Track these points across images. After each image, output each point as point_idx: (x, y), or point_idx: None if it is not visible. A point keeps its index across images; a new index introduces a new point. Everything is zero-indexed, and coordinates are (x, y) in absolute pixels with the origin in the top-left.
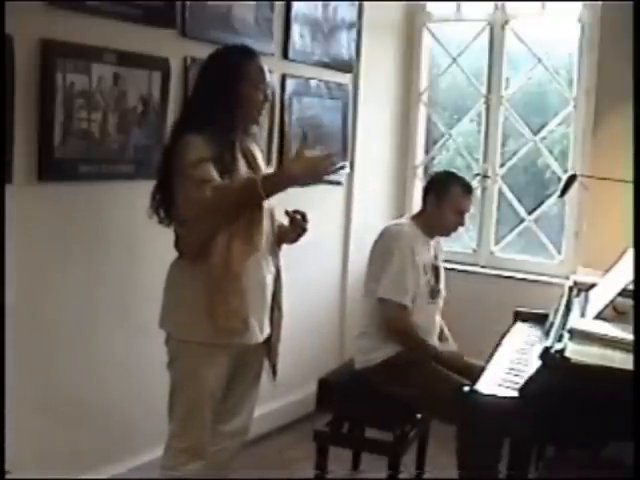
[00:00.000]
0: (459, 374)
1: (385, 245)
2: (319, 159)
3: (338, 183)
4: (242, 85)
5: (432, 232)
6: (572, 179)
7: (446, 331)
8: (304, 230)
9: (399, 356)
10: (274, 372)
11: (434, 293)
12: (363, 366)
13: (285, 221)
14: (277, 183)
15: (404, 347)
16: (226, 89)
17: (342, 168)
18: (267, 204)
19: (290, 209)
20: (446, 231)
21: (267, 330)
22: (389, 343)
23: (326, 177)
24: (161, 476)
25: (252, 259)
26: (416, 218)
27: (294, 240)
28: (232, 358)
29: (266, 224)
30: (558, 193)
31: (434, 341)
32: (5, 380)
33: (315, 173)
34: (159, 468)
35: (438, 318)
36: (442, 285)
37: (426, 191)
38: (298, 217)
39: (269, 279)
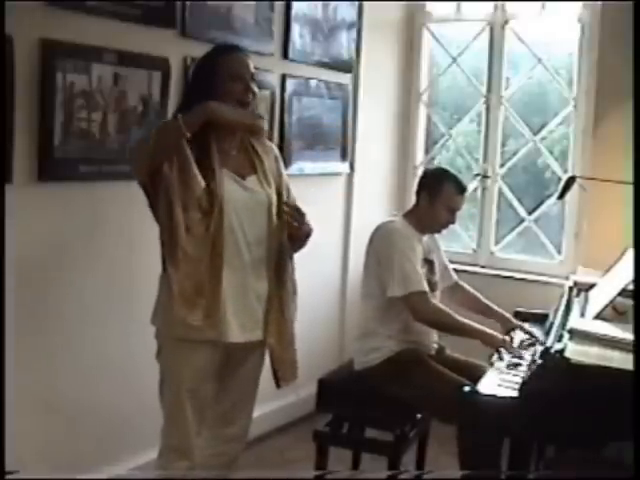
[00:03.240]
0: (459, 373)
1: (381, 244)
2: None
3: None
4: (218, 79)
5: (424, 228)
6: (571, 181)
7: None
8: (299, 224)
9: (399, 356)
10: (276, 378)
11: (431, 286)
12: (363, 367)
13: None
14: (195, 114)
15: (448, 332)
16: (205, 84)
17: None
18: (262, 200)
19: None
20: (437, 228)
21: (255, 332)
22: (390, 342)
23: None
24: (156, 476)
25: (229, 257)
26: (408, 215)
27: (298, 238)
28: (214, 356)
29: (257, 220)
30: (557, 195)
31: (433, 335)
32: (5, 380)
33: (235, 114)
34: (154, 468)
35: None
36: (437, 278)
37: (419, 187)
38: (286, 209)
39: (258, 279)
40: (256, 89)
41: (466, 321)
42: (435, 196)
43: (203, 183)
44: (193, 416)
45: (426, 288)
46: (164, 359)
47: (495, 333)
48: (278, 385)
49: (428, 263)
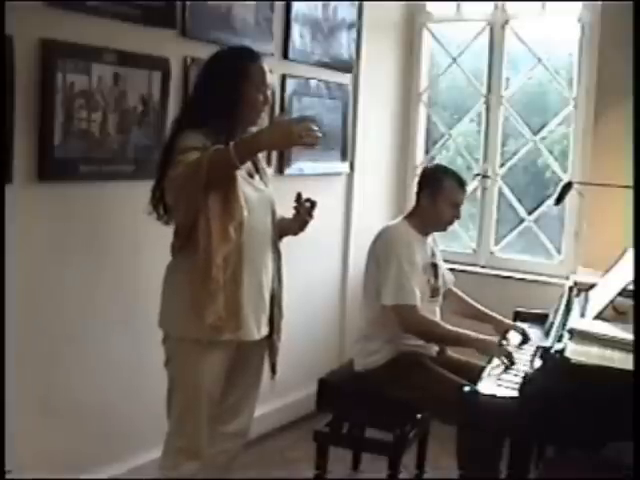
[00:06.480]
0: (458, 374)
1: (382, 249)
2: (292, 123)
3: (312, 145)
4: (245, 86)
5: (428, 229)
6: (568, 187)
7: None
8: (311, 217)
9: (398, 359)
10: (273, 371)
11: (434, 291)
12: (362, 369)
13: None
14: (249, 147)
15: (440, 343)
16: (229, 89)
17: (317, 137)
18: (268, 199)
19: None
20: (442, 225)
21: (265, 328)
22: (389, 345)
23: (300, 142)
24: (160, 476)
25: (249, 256)
26: (410, 217)
27: (298, 230)
28: (228, 355)
29: (267, 220)
30: (554, 201)
31: None
32: (5, 380)
33: (288, 137)
34: (158, 468)
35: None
36: (441, 283)
37: (419, 187)
38: (307, 204)
39: (267, 277)
40: (270, 96)
41: (458, 330)
42: (437, 194)
43: (245, 212)
44: (206, 417)
45: (417, 302)
46: (178, 363)
47: (490, 338)
48: (273, 375)
49: (432, 267)
